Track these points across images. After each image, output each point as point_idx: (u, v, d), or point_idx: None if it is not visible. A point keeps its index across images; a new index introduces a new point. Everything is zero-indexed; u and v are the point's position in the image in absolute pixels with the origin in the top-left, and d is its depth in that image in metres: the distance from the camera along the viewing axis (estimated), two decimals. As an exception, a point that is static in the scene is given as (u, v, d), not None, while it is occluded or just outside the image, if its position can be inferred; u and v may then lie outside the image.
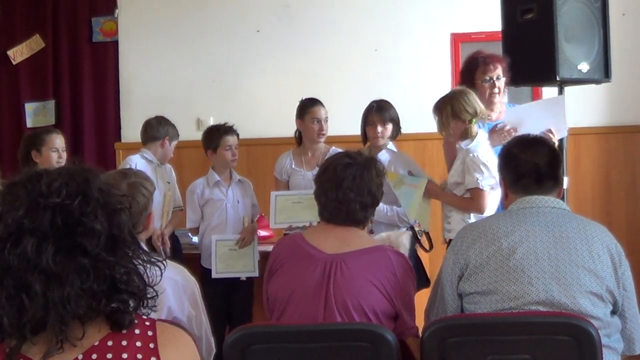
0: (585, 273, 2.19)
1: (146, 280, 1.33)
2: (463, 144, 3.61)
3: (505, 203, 2.49)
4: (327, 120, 4.22)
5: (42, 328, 1.24)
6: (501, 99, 3.90)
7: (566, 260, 2.20)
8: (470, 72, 3.84)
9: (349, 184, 2.40)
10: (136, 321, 1.32)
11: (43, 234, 1.23)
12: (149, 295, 1.33)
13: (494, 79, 3.79)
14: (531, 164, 2.36)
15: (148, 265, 1.35)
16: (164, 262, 1.41)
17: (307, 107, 4.23)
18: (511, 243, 2.24)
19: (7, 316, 1.23)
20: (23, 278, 1.22)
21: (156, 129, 4.44)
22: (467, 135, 3.62)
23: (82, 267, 1.24)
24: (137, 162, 4.33)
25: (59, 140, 4.27)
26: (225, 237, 4.20)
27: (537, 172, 2.36)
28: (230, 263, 4.16)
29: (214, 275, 4.13)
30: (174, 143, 4.45)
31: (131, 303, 1.31)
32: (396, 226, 3.98)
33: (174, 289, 2.22)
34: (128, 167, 4.24)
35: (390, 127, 4.01)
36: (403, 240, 2.89)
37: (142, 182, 2.34)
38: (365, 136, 4.08)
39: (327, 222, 2.46)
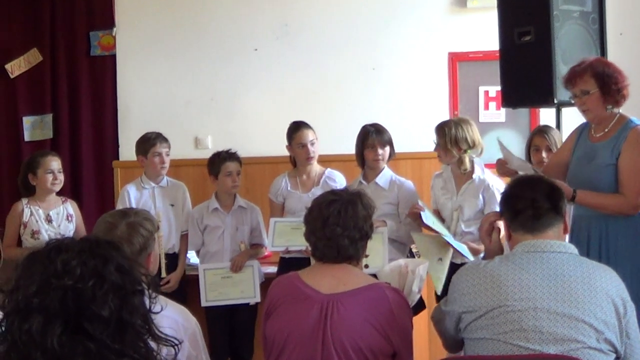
0: (585, 327, 2.15)
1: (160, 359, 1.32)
2: (477, 176, 3.78)
3: (509, 244, 2.41)
4: (313, 143, 4.18)
5: None
6: None
7: (566, 315, 2.16)
8: None
9: (335, 219, 2.40)
10: None
11: (51, 314, 1.22)
12: None
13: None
14: (528, 199, 2.32)
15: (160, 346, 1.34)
16: (178, 345, 1.39)
17: (292, 133, 4.22)
18: (510, 300, 2.19)
19: None
20: (28, 355, 1.21)
21: (136, 149, 4.45)
22: (460, 164, 3.76)
23: (88, 351, 1.23)
24: (129, 190, 4.37)
25: (54, 163, 4.26)
26: (214, 265, 4.15)
27: (534, 206, 2.30)
28: (223, 291, 4.09)
29: (203, 304, 4.06)
30: (152, 156, 4.36)
31: None
32: (403, 244, 3.99)
33: (174, 328, 2.17)
34: (125, 196, 4.32)
35: (388, 149, 4.03)
36: (420, 270, 2.72)
37: (141, 222, 2.28)
38: (362, 159, 4.06)
39: (321, 261, 2.46)
